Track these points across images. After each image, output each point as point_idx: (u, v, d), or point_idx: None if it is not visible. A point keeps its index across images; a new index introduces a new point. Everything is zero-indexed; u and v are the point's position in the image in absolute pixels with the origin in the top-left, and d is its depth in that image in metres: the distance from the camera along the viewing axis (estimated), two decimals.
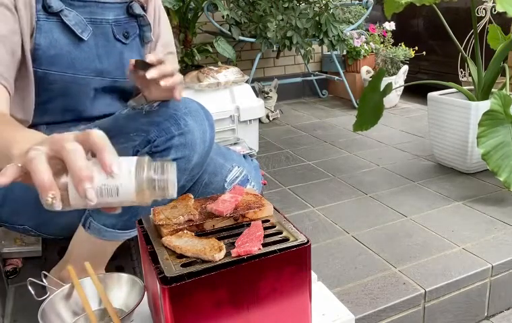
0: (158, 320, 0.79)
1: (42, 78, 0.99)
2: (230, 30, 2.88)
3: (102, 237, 1.01)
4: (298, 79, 3.49)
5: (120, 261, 1.21)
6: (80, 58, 1.01)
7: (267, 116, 3.05)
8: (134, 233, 1.04)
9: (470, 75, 1.98)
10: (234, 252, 0.75)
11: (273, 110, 3.09)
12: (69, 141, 0.60)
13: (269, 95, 3.05)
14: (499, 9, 1.60)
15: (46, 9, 0.97)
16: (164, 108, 0.97)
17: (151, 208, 0.88)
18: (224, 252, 0.75)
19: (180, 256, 0.75)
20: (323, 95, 3.71)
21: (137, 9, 1.11)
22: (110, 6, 1.06)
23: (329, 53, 3.31)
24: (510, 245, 1.37)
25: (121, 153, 0.93)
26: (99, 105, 1.09)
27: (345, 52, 3.37)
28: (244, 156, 1.22)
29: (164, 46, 1.20)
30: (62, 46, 0.99)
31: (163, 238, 0.79)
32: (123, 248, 1.19)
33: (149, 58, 0.89)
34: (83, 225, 1.02)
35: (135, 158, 0.65)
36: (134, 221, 1.01)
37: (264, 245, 0.77)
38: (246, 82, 2.30)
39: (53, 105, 1.03)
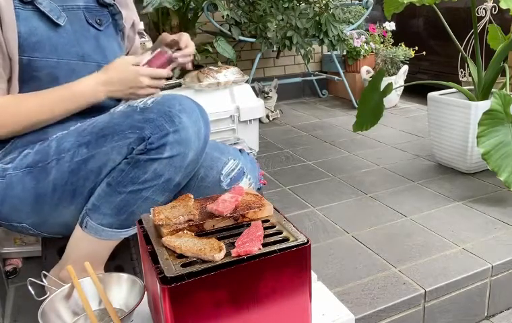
0: (158, 320, 0.79)
1: (27, 65, 1.00)
2: (230, 30, 2.88)
3: (99, 237, 1.01)
4: (298, 79, 3.49)
5: (120, 261, 1.21)
6: (61, 43, 1.03)
7: (267, 116, 3.05)
8: (131, 232, 1.04)
9: (470, 75, 1.98)
10: (234, 252, 0.75)
11: (273, 110, 3.09)
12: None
13: (269, 95, 3.04)
14: (503, 6, 1.60)
15: None
16: (158, 105, 0.97)
17: (152, 209, 0.88)
18: (224, 252, 0.75)
19: (180, 256, 0.75)
20: (323, 95, 3.71)
21: None
22: None
23: (329, 53, 3.30)
24: (510, 245, 1.37)
25: (115, 151, 0.95)
26: None
27: (345, 52, 3.37)
28: (240, 150, 1.22)
29: (135, 26, 1.29)
30: (42, 32, 1.01)
31: (163, 238, 0.80)
32: (123, 248, 1.19)
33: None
34: (80, 224, 1.02)
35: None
36: (131, 220, 1.01)
37: (264, 245, 0.78)
38: (246, 82, 2.30)
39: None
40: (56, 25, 1.03)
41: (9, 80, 1.01)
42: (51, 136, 1.03)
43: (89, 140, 0.98)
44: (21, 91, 1.02)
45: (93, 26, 1.11)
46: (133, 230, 1.04)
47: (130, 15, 1.25)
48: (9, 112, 1.00)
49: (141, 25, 1.90)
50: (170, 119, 0.95)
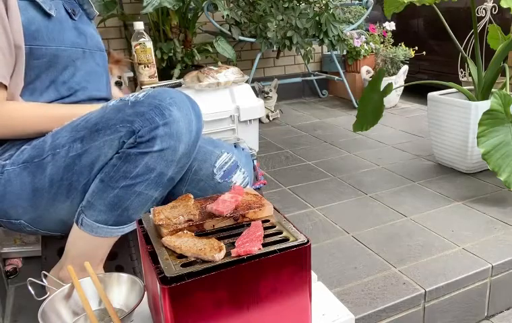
0: (158, 320, 0.79)
1: (29, 55, 1.03)
2: (230, 30, 2.88)
3: (95, 234, 1.01)
4: (298, 79, 3.49)
5: (120, 261, 1.21)
6: (56, 31, 1.07)
7: (267, 116, 3.05)
8: (127, 229, 1.04)
9: (470, 75, 1.98)
10: (234, 252, 0.75)
11: (273, 110, 3.09)
12: None
13: (269, 95, 3.05)
14: (503, 4, 1.61)
15: None
16: (149, 98, 0.98)
17: (151, 209, 0.88)
18: (224, 252, 0.75)
19: (180, 256, 0.75)
20: (323, 95, 3.71)
21: None
22: None
23: (329, 53, 3.31)
24: (510, 245, 1.37)
25: (107, 145, 0.97)
26: (77, 78, 1.14)
27: (345, 52, 3.37)
28: (235, 145, 1.23)
29: None
30: (39, 21, 1.05)
31: (163, 238, 0.79)
32: (123, 248, 1.19)
33: None
34: (76, 221, 1.02)
35: None
36: (125, 217, 1.01)
37: (264, 245, 0.77)
38: (246, 82, 2.30)
39: (40, 83, 1.08)
40: (49, 15, 1.07)
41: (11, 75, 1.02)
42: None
43: (83, 136, 0.99)
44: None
45: (70, 16, 1.15)
46: (129, 227, 1.04)
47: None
48: (16, 121, 1.03)
49: (141, 25, 1.91)
50: (160, 112, 0.95)
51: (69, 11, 1.15)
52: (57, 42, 1.07)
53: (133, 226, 1.03)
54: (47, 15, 1.07)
